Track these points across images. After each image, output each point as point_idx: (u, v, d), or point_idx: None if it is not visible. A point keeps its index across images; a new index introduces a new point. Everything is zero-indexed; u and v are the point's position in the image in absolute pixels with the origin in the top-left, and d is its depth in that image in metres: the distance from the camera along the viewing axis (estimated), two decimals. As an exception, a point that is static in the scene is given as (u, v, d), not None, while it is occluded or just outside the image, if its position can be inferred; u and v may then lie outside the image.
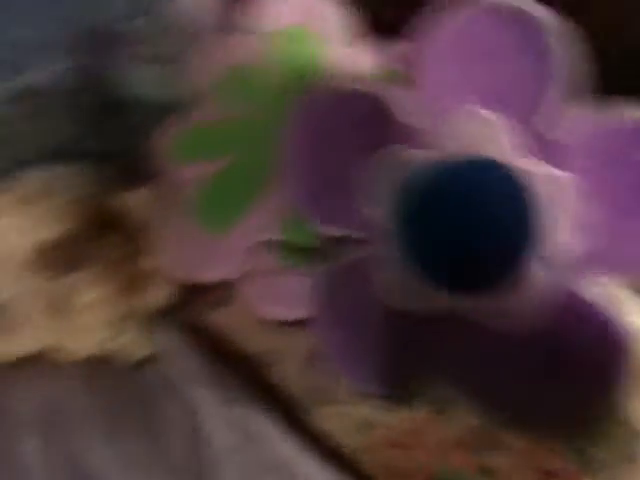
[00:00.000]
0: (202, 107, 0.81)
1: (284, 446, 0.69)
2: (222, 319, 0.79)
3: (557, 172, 0.60)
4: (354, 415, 0.69)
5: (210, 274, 0.77)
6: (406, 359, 0.65)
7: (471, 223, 0.60)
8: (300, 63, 0.78)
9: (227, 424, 0.71)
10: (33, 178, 0.75)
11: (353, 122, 0.66)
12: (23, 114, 0.81)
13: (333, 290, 0.67)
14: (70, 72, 0.82)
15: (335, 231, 0.67)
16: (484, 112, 0.61)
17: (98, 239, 0.73)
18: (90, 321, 0.75)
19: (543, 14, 0.61)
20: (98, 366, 0.77)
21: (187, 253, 0.76)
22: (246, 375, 0.75)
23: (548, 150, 0.61)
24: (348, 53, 0.81)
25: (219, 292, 0.78)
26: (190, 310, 0.80)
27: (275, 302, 0.74)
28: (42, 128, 0.82)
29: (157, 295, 0.78)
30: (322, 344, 0.68)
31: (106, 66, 0.83)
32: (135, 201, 0.77)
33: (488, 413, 0.63)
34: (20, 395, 0.75)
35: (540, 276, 0.59)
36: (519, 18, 0.61)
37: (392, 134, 0.64)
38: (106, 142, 0.85)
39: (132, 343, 0.77)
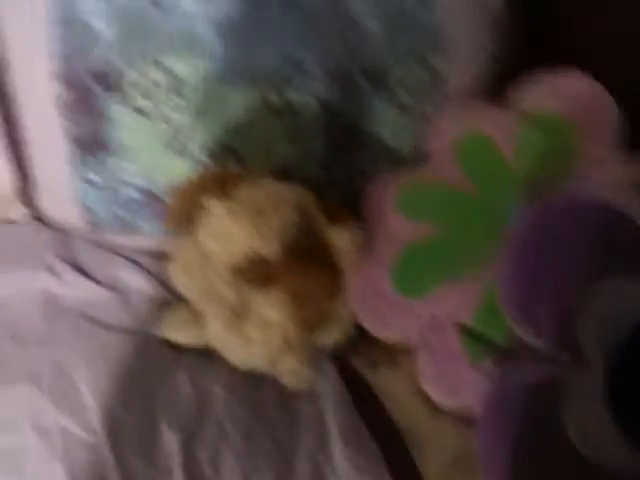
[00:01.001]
0: (435, 166, 0.80)
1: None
2: (382, 380, 0.76)
3: None
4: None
5: (387, 332, 0.75)
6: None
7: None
8: (549, 155, 0.74)
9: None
10: (266, 188, 0.77)
11: (591, 239, 0.60)
12: (276, 124, 0.84)
13: (509, 399, 0.62)
14: (326, 99, 0.83)
15: (534, 340, 0.62)
16: None
17: (299, 264, 0.73)
18: (261, 338, 0.75)
19: None
20: (255, 380, 0.78)
21: (373, 304, 0.75)
22: (387, 445, 0.72)
23: None
24: (605, 158, 0.76)
25: (387, 351, 0.76)
26: (355, 359, 0.78)
27: (441, 384, 0.71)
28: (285, 142, 0.85)
29: (331, 335, 0.77)
30: (481, 446, 0.63)
31: (357, 101, 0.84)
32: (344, 238, 0.76)
33: None
34: (178, 383, 0.77)
35: None
36: None
37: (635, 261, 0.58)
38: (336, 172, 0.87)
39: (293, 371, 0.77)
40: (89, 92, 0.82)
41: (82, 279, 0.85)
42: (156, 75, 0.81)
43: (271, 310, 0.73)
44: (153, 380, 0.77)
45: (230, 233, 0.73)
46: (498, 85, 0.85)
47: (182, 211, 0.77)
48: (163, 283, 0.85)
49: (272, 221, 0.73)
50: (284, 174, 0.84)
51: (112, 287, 0.85)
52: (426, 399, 0.71)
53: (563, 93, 0.78)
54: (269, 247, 0.73)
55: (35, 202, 0.91)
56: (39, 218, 0.92)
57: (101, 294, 0.84)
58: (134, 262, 0.87)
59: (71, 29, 0.81)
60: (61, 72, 0.82)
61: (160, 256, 0.86)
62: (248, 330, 0.75)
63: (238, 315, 0.75)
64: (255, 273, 0.73)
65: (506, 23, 0.87)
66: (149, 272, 0.87)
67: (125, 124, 0.83)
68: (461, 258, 0.72)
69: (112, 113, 0.83)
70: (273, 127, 0.84)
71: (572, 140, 0.75)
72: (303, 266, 0.73)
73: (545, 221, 0.63)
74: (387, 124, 0.85)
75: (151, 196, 0.86)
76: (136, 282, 0.86)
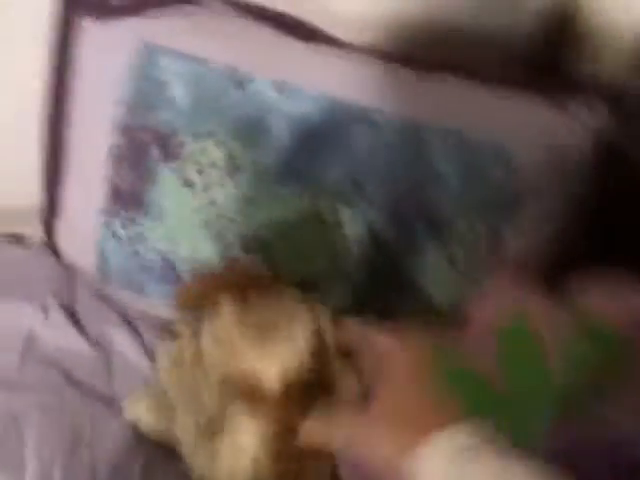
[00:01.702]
0: (471, 340, 0.70)
1: None
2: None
3: None
4: None
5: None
6: None
7: None
8: (594, 371, 0.68)
9: None
10: (286, 307, 0.70)
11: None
12: (319, 236, 0.80)
13: None
14: (376, 229, 0.79)
15: None
16: None
17: (295, 400, 0.66)
18: (228, 456, 0.69)
19: None
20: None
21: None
22: None
23: None
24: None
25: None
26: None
27: None
28: (324, 256, 0.80)
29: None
30: None
31: (408, 241, 0.79)
32: (349, 385, 0.69)
33: None
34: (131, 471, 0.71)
35: None
36: None
37: None
38: (366, 300, 0.81)
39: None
40: (144, 149, 0.79)
41: (70, 327, 0.80)
42: (216, 154, 0.78)
43: (246, 437, 0.67)
44: (102, 458, 0.71)
45: (233, 343, 0.68)
46: (558, 267, 0.79)
47: (196, 297, 0.72)
48: (153, 355, 0.79)
49: (280, 349, 0.67)
50: (313, 284, 0.79)
51: (98, 344, 0.80)
52: None
53: (624, 303, 0.72)
54: (267, 372, 0.67)
55: (54, 231, 0.88)
56: (52, 246, 0.88)
57: (84, 349, 0.79)
58: (131, 325, 0.82)
59: (146, 82, 0.78)
60: (122, 121, 0.79)
61: (162, 324, 0.81)
62: (219, 443, 0.68)
63: (212, 424, 0.69)
64: (243, 391, 0.67)
65: (582, 202, 0.82)
66: (142, 339, 0.81)
67: (169, 191, 0.80)
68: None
69: (160, 177, 0.80)
70: (315, 237, 0.80)
71: (624, 360, 0.69)
72: (299, 403, 0.67)
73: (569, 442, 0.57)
74: (432, 272, 0.80)
75: (170, 265, 0.82)
76: (124, 346, 0.81)
